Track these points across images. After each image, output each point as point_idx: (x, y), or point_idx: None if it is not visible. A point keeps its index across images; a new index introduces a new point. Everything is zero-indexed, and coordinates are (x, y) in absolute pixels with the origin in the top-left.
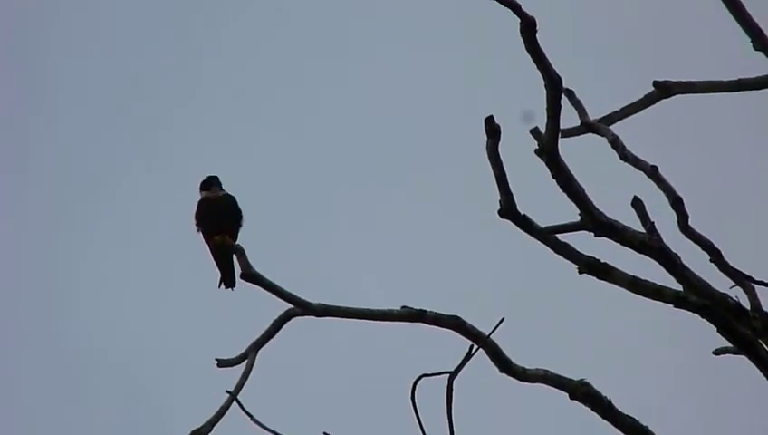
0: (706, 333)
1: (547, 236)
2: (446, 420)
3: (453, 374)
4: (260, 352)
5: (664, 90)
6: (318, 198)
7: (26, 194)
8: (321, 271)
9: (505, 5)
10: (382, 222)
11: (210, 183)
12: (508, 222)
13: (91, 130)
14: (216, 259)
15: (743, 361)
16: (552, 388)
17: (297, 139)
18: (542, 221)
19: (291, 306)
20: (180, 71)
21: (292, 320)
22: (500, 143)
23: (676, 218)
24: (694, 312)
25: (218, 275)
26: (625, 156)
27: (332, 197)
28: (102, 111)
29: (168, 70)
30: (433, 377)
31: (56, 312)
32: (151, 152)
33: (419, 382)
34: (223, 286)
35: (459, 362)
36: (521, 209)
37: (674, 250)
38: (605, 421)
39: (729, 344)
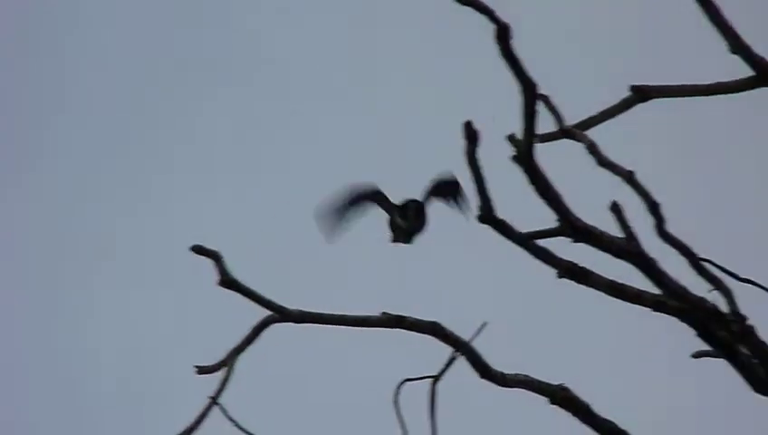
0: (686, 337)
1: (526, 241)
2: (429, 426)
3: (436, 379)
4: (240, 359)
5: (641, 94)
6: (295, 207)
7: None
8: (308, 280)
9: (479, 11)
10: (364, 229)
11: None
12: (487, 227)
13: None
14: None
15: (721, 363)
16: (533, 393)
17: (283, 155)
18: (522, 226)
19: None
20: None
21: (272, 326)
22: (478, 148)
23: (653, 223)
24: (672, 316)
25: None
26: (602, 161)
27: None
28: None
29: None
30: (416, 381)
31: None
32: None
33: (402, 387)
34: None
35: (438, 367)
36: (499, 214)
37: (654, 255)
38: (585, 426)
39: (708, 348)
